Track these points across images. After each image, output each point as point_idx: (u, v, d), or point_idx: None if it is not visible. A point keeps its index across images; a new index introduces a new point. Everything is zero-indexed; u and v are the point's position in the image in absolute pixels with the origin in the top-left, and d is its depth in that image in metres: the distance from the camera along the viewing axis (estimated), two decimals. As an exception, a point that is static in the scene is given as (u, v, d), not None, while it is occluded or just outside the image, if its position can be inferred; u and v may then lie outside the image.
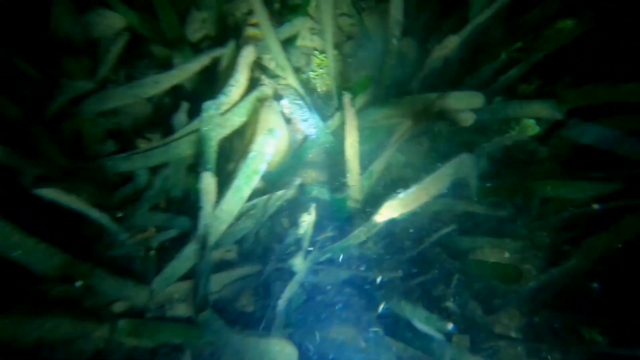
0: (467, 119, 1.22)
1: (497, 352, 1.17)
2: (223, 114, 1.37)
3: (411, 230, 1.47)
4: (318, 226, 1.57)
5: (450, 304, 1.20)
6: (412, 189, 0.96)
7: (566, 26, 1.42)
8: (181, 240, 1.63)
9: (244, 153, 1.59)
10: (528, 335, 1.27)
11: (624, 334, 1.15)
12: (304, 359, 1.26)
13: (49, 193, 1.04)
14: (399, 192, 0.98)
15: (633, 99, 1.21)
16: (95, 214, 1.17)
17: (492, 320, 1.26)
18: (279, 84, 1.67)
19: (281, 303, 1.19)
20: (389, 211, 0.99)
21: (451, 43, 1.32)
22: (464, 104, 1.25)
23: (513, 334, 1.25)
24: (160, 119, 1.83)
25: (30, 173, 1.28)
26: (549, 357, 1.22)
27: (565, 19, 1.42)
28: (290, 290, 1.22)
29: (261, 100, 1.40)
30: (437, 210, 1.47)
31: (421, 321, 1.10)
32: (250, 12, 1.96)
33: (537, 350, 1.17)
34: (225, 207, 1.30)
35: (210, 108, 1.34)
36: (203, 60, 1.41)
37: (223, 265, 1.63)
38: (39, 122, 1.41)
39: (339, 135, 1.74)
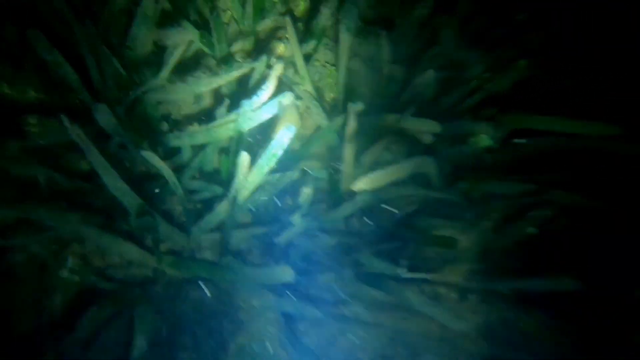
0: (426, 139, 1.71)
1: (436, 295, 1.65)
2: (254, 110, 1.86)
3: (385, 210, 1.96)
4: (315, 201, 2.07)
5: (404, 261, 1.67)
6: (379, 172, 1.44)
7: (521, 65, 1.88)
8: (211, 202, 2.14)
9: (266, 141, 2.10)
10: (462, 293, 1.74)
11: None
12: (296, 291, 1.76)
13: (149, 155, 1.55)
14: (370, 174, 1.45)
15: (542, 127, 1.66)
16: (167, 172, 1.67)
17: (436, 276, 1.73)
18: (299, 89, 2.16)
19: (281, 240, 1.68)
20: (362, 184, 1.47)
21: (429, 75, 1.79)
22: (425, 128, 1.73)
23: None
24: (199, 110, 2.34)
25: (115, 141, 1.79)
26: (478, 308, 1.68)
27: (520, 60, 1.88)
28: (287, 235, 1.72)
29: (284, 103, 1.88)
30: (408, 195, 1.95)
31: (382, 269, 1.58)
32: (277, 28, 2.45)
33: (467, 298, 1.63)
34: (250, 179, 1.80)
35: (246, 105, 1.83)
36: (244, 69, 1.91)
37: (240, 226, 2.13)
38: (120, 104, 1.93)
39: (338, 134, 2.22)
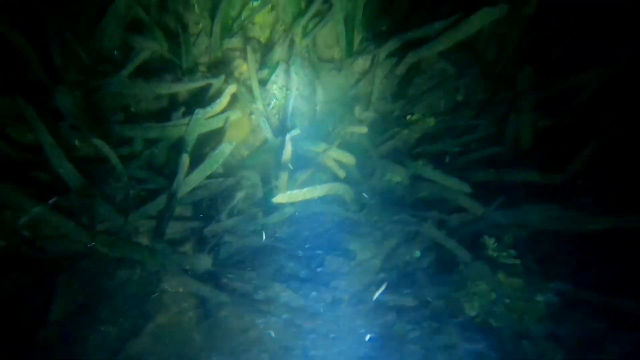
0: (341, 174, 2.14)
1: (336, 300, 2.03)
2: (206, 119, 2.13)
3: (310, 223, 2.31)
4: (252, 205, 2.36)
5: (320, 268, 2.02)
6: (295, 191, 1.79)
7: (430, 122, 2.36)
8: (154, 192, 2.34)
9: (213, 148, 2.36)
10: (358, 300, 2.13)
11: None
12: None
13: (98, 142, 1.74)
14: (289, 192, 1.80)
15: (429, 177, 2.16)
16: (115, 160, 1.87)
17: (338, 283, 2.11)
18: (252, 107, 2.46)
19: (206, 231, 1.95)
20: (281, 199, 1.81)
21: (361, 129, 2.22)
22: (343, 160, 2.14)
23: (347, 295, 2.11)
24: (156, 109, 2.54)
25: (68, 122, 1.96)
26: (368, 314, 2.07)
27: (430, 117, 2.38)
28: (214, 228, 1.99)
29: (232, 118, 2.18)
30: (330, 212, 2.32)
31: (295, 271, 1.90)
32: (242, 48, 2.74)
33: (361, 305, 2.03)
34: (192, 178, 2.05)
35: (199, 113, 2.10)
36: (201, 82, 2.17)
37: (180, 217, 2.35)
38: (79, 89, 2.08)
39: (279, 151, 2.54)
